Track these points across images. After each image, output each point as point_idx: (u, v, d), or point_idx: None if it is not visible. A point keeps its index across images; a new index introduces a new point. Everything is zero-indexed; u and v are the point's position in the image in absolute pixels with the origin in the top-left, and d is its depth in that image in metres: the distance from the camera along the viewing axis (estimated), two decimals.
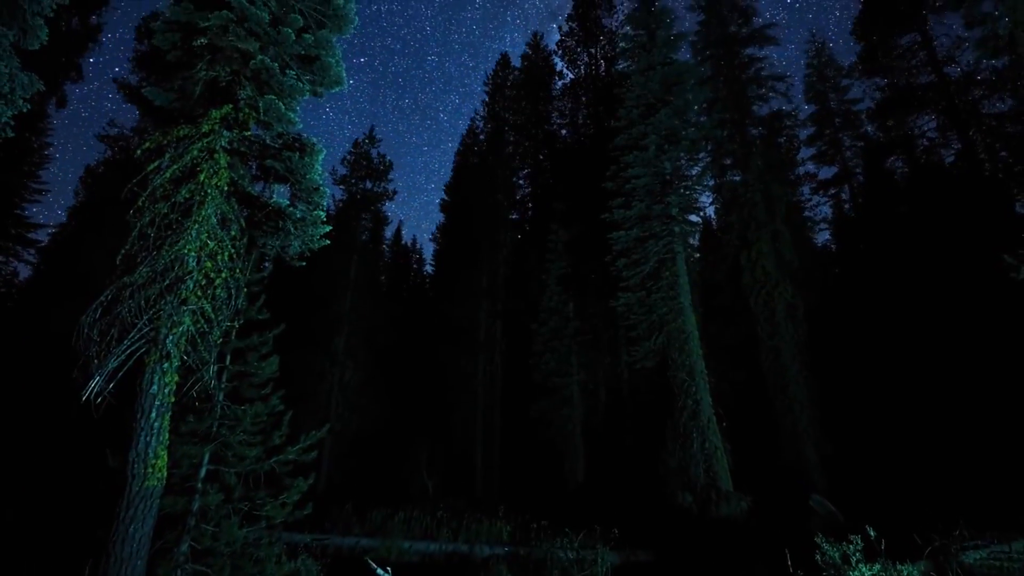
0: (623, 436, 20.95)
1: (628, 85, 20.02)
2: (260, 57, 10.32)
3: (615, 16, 29.09)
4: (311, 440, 8.24)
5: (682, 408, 16.17)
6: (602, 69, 27.98)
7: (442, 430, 25.88)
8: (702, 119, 20.55)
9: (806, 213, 26.95)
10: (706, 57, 24.78)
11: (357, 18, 12.89)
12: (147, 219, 7.94)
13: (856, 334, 20.17)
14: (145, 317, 7.19)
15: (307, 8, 11.94)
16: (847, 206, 27.01)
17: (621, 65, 22.52)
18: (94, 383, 6.41)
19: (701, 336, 17.23)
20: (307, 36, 11.62)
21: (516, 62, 40.83)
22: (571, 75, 29.60)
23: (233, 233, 8.70)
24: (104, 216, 19.66)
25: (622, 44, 23.14)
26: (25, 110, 7.51)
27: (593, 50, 28.64)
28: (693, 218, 18.33)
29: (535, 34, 32.76)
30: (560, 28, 30.54)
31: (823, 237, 53.00)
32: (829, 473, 17.97)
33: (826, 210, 28.42)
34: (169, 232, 8.02)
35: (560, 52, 30.07)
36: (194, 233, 8.10)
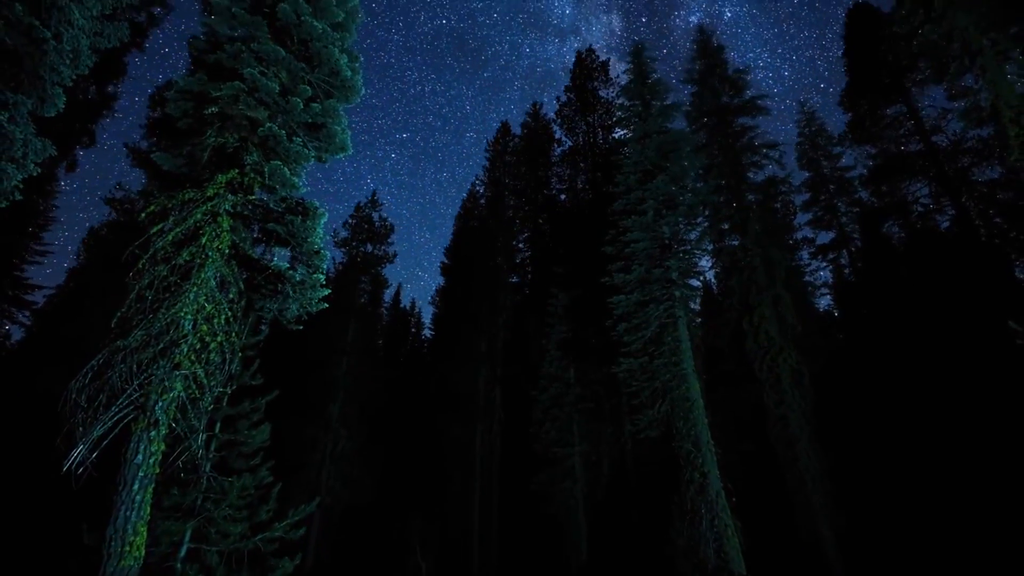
0: (628, 511, 20.14)
1: (625, 152, 20.95)
2: (268, 125, 10.87)
3: (611, 87, 30.98)
4: (299, 515, 7.93)
5: (689, 482, 15.67)
6: (600, 137, 29.44)
7: (437, 504, 24.85)
8: (699, 185, 21.35)
9: (806, 278, 27.40)
10: (701, 125, 26.08)
11: (364, 88, 13.71)
12: (146, 281, 8.06)
13: (864, 402, 19.95)
14: (136, 382, 7.13)
15: (316, 79, 12.72)
16: (847, 271, 27.53)
17: (618, 133, 23.68)
18: (77, 452, 6.25)
19: (706, 404, 17.00)
20: (315, 105, 12.30)
21: (517, 130, 42.72)
22: (569, 142, 31.13)
23: (231, 296, 8.79)
24: (103, 278, 19.87)
25: (618, 114, 24.41)
26: (35, 174, 7.81)
27: (590, 119, 30.25)
28: (693, 282, 18.61)
29: (535, 104, 34.80)
30: (559, 98, 32.48)
31: (825, 302, 53.60)
32: (845, 550, 17.22)
33: (826, 275, 28.94)
34: (167, 294, 8.11)
35: (559, 121, 31.76)
36: (192, 296, 8.20)
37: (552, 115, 32.54)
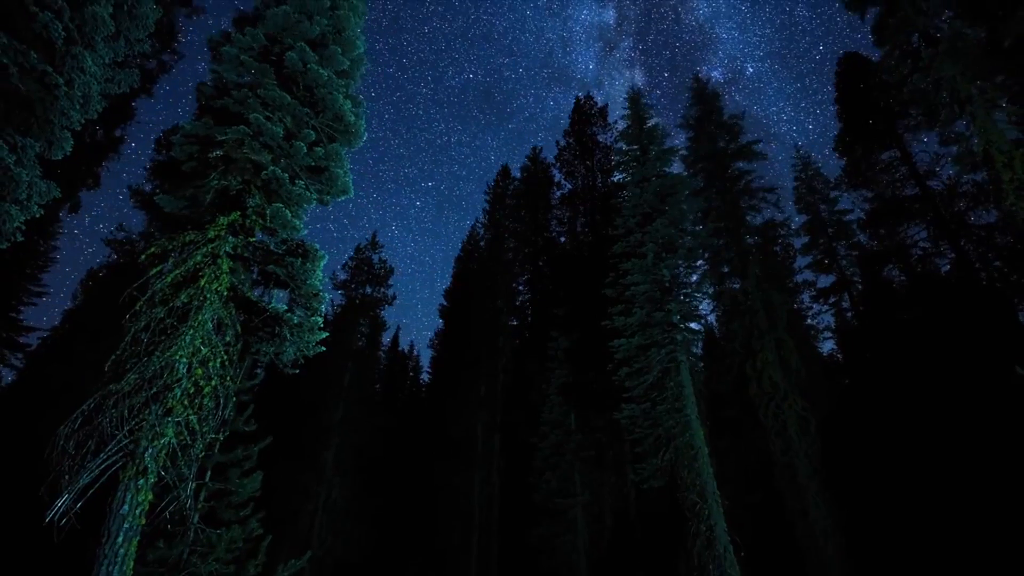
0: (632, 567, 19.42)
1: (624, 196, 21.39)
2: (272, 168, 11.14)
3: (609, 132, 31.95)
4: (290, 571, 7.64)
5: (695, 535, 15.20)
6: (598, 180, 30.12)
7: (434, 558, 23.95)
8: (698, 228, 21.71)
9: (808, 322, 27.46)
10: (698, 169, 26.77)
11: (366, 133, 14.14)
12: (142, 323, 8.06)
13: (873, 450, 19.62)
14: (126, 428, 7.02)
15: (320, 124, 13.12)
16: (849, 314, 27.61)
17: (617, 177, 24.22)
18: (61, 502, 6.09)
19: (711, 452, 16.70)
20: (318, 149, 12.63)
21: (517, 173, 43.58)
22: (569, 185, 31.82)
23: (228, 339, 8.77)
24: (99, 320, 19.82)
25: (616, 158, 25.08)
26: (38, 215, 7.93)
27: (589, 162, 31.04)
28: (694, 326, 18.63)
29: (534, 148, 35.72)
30: (558, 142, 33.42)
31: (828, 346, 53.46)
32: None
33: (828, 318, 29.02)
34: (163, 337, 8.10)
35: (558, 164, 32.57)
36: (188, 339, 8.18)
37: (552, 159, 33.48)
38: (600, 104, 33.72)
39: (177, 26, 18.01)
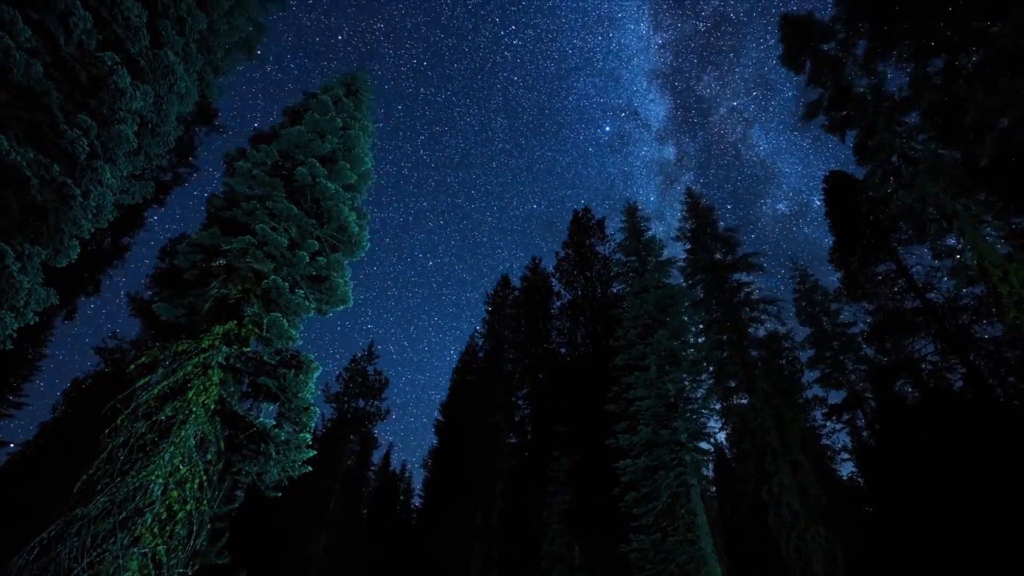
0: None
1: (624, 307, 21.85)
2: (273, 277, 11.47)
3: (607, 244, 33.33)
4: None
5: None
6: (598, 291, 30.85)
7: None
8: (700, 340, 21.93)
9: (823, 441, 26.76)
10: (697, 281, 27.58)
11: (369, 243, 14.75)
12: (121, 439, 7.83)
13: None
14: (86, 560, 6.56)
15: (324, 234, 13.73)
16: (864, 433, 27.01)
17: (616, 288, 24.88)
18: None
19: None
20: (320, 259, 13.11)
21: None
22: (568, 296, 32.42)
23: (210, 457, 8.48)
24: (78, 435, 18.95)
25: (615, 269, 25.95)
26: (33, 323, 8.00)
27: (588, 273, 32.00)
28: (704, 445, 18.13)
29: (534, 258, 36.89)
30: (557, 253, 34.74)
31: (847, 468, 51.61)
32: None
33: (844, 438, 28.33)
34: (141, 455, 7.83)
35: (557, 275, 33.52)
36: (167, 456, 7.91)
37: (551, 269, 34.44)
38: (598, 217, 35.33)
39: (196, 141, 19.41)
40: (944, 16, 15.03)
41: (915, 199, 17.31)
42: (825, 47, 19.08)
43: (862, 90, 18.23)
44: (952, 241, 17.24)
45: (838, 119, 18.99)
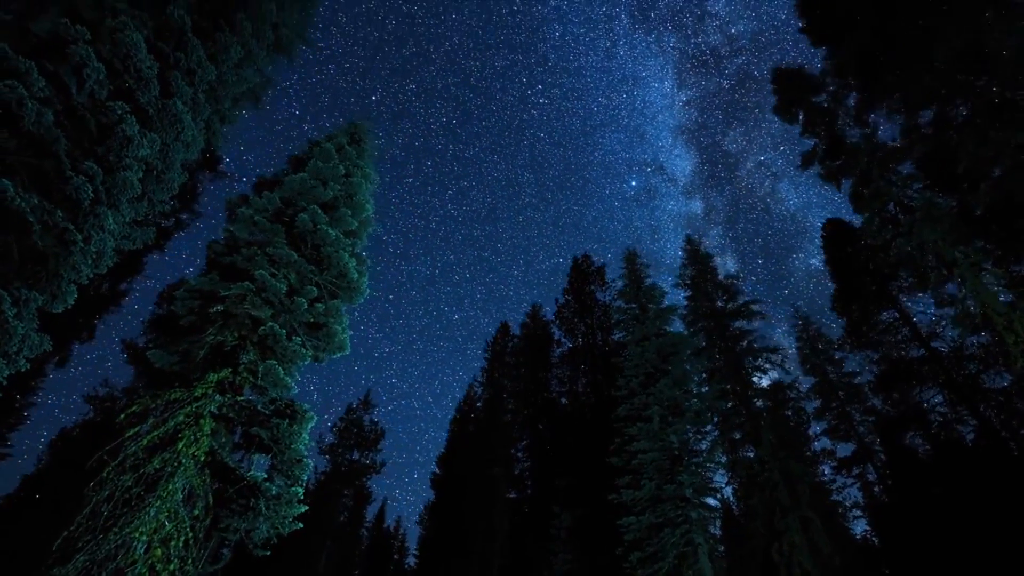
0: None
1: (625, 354, 21.73)
2: (270, 324, 11.44)
3: (607, 291, 33.44)
4: None
5: None
6: (599, 339, 30.72)
7: None
8: (704, 390, 21.69)
9: (834, 496, 26.04)
10: (698, 328, 27.55)
11: (368, 289, 14.81)
12: (106, 493, 7.62)
13: None
14: None
15: (324, 280, 13.79)
16: (876, 488, 26.36)
17: (617, 335, 24.80)
18: None
19: None
20: (319, 305, 13.10)
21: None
22: (569, 343, 32.25)
23: (197, 512, 8.24)
24: (62, 489, 18.26)
25: (616, 316, 25.95)
26: (24, 370, 7.92)
27: (589, 320, 31.95)
28: (711, 501, 17.65)
29: (534, 305, 36.87)
30: (557, 300, 34.81)
31: (860, 526, 50.07)
32: None
33: (855, 493, 27.48)
34: (126, 510, 7.61)
35: (558, 322, 33.45)
36: (153, 512, 7.68)
37: (552, 316, 34.36)
38: (597, 264, 35.59)
39: (200, 188, 19.74)
40: (930, 70, 15.60)
41: (914, 247, 17.44)
42: (817, 99, 19.74)
43: (855, 140, 18.72)
44: (953, 289, 17.23)
45: (833, 168, 19.41)
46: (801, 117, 20.00)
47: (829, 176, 19.86)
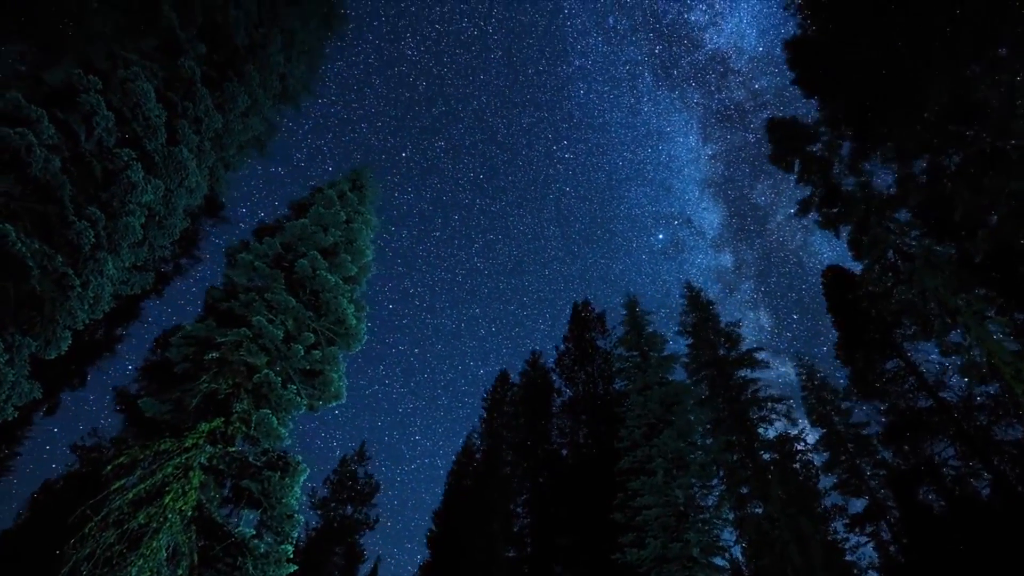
0: None
1: (628, 404, 21.42)
2: (265, 371, 11.30)
3: (608, 338, 33.23)
4: None
5: None
6: (600, 387, 30.33)
7: None
8: (708, 441, 21.30)
9: (848, 557, 25.09)
10: (701, 377, 27.29)
11: (366, 336, 14.73)
12: (87, 551, 7.33)
13: None
14: None
15: (321, 327, 13.71)
16: (892, 548, 25.45)
17: (618, 384, 24.51)
18: None
19: None
20: (316, 352, 13.00)
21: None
22: (569, 392, 31.73)
23: (180, 572, 7.91)
24: (40, 546, 17.38)
25: (617, 364, 25.72)
26: (12, 418, 7.75)
27: (590, 368, 31.63)
28: (719, 562, 16.99)
29: (533, 352, 36.44)
30: (557, 347, 34.57)
31: None
32: None
33: (870, 552, 26.48)
34: (106, 569, 7.30)
35: (558, 370, 33.09)
36: (135, 572, 7.38)
37: (552, 364, 33.92)
38: (598, 311, 35.56)
39: (200, 234, 19.90)
40: (921, 121, 16.00)
41: (915, 294, 17.46)
42: (811, 147, 20.20)
43: (850, 188, 19.05)
44: (957, 337, 17.02)
45: (830, 215, 19.66)
46: (797, 165, 20.39)
47: (827, 223, 20.07)
